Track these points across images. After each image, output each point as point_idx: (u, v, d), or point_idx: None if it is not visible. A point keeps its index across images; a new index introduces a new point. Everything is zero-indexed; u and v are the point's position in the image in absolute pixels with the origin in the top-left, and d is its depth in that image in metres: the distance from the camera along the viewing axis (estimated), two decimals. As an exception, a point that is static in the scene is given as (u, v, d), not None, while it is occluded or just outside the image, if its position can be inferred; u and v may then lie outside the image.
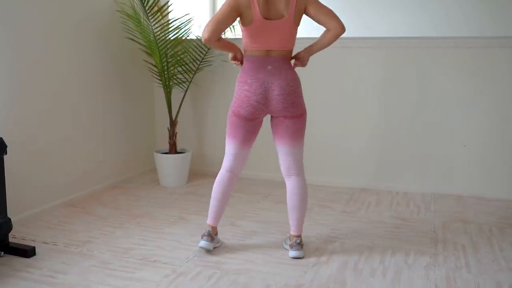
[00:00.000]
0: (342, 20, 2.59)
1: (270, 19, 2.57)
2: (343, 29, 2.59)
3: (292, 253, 2.75)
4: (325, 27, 2.65)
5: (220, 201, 2.81)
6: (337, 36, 2.63)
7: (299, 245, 2.76)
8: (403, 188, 4.03)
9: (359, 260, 2.72)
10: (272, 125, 2.76)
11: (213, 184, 2.81)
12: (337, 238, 3.05)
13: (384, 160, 4.07)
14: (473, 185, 3.89)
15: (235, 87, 2.73)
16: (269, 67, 2.63)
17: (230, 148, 2.78)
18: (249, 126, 2.72)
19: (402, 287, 2.43)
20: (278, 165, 2.80)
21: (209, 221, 2.84)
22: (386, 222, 3.32)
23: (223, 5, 2.56)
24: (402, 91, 3.97)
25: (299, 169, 2.76)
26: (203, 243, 2.78)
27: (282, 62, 2.65)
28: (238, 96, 2.69)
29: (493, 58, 3.75)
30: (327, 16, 2.62)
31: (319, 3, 2.63)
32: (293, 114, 2.67)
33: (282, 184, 4.06)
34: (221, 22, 2.53)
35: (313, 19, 2.64)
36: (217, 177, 2.82)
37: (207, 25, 2.52)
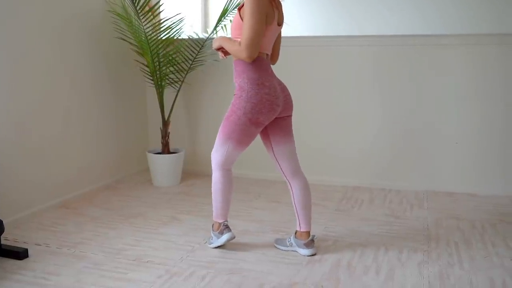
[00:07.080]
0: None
1: (278, 25, 2.61)
2: None
3: (312, 250, 2.76)
4: None
5: (230, 197, 2.80)
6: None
7: (313, 241, 2.79)
8: (396, 186, 4.04)
9: (352, 258, 2.73)
10: (270, 129, 2.68)
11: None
12: (330, 236, 3.05)
13: (377, 158, 4.08)
14: (465, 182, 3.91)
15: (246, 91, 2.53)
16: (269, 70, 2.65)
17: (232, 151, 2.66)
18: (258, 132, 2.67)
19: (395, 284, 2.44)
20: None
21: (222, 218, 2.81)
22: (379, 220, 3.33)
23: (250, 9, 2.38)
24: (394, 89, 3.97)
25: (299, 166, 2.80)
26: (229, 234, 2.77)
27: (271, 66, 2.70)
28: (257, 100, 2.51)
29: (485, 56, 3.76)
30: None
31: None
32: (291, 113, 2.73)
33: (274, 183, 4.10)
34: (260, 33, 2.42)
35: None
36: (221, 178, 2.72)
37: (247, 43, 2.38)
